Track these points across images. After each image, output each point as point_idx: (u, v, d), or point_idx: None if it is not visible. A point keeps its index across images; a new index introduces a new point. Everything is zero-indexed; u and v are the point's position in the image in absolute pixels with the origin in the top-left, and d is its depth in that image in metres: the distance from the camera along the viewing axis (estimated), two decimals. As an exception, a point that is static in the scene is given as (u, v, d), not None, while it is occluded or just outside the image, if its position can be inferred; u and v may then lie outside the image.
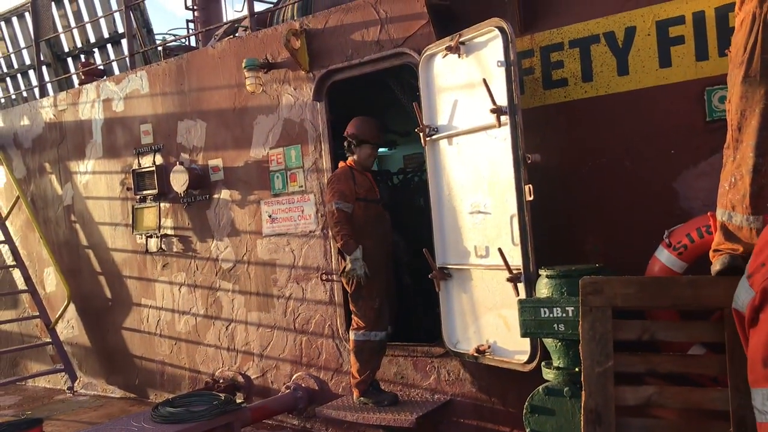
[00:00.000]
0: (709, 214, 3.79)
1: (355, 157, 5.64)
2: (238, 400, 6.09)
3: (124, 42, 8.72)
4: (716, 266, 3.31)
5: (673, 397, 3.42)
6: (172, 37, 9.90)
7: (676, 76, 4.31)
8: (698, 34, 4.21)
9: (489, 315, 4.85)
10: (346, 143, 5.68)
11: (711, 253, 3.42)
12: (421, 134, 5.19)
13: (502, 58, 4.45)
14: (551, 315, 3.89)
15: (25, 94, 10.47)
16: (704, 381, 3.89)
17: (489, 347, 4.81)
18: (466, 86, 4.87)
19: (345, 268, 5.35)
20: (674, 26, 4.29)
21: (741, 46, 3.22)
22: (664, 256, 4.06)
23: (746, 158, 3.20)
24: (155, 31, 10.11)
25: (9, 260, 9.28)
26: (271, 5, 8.74)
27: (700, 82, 4.21)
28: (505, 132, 4.48)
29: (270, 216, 6.49)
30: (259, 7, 8.25)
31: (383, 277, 5.52)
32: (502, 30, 4.46)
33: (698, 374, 3.79)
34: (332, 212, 5.37)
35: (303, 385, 6.33)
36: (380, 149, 10.09)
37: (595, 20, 4.59)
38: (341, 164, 5.67)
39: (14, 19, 10.20)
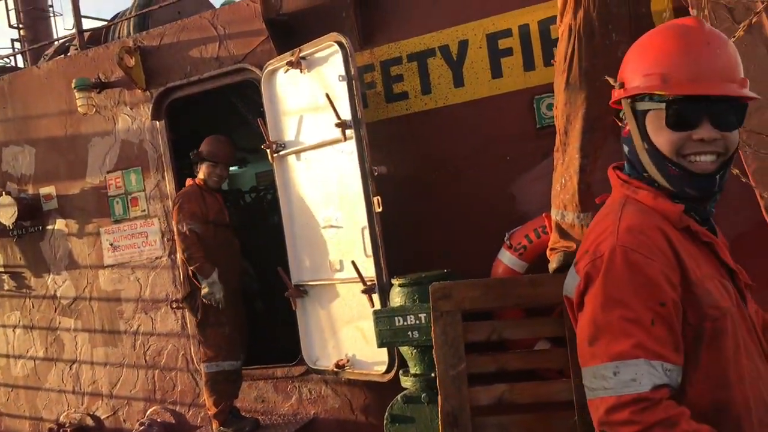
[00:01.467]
0: (544, 215, 3.99)
1: (202, 176, 5.44)
2: (87, 444, 5.67)
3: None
4: (553, 264, 3.49)
5: (522, 393, 3.55)
6: (-6, 58, 9.12)
7: (508, 86, 4.53)
8: (524, 45, 4.46)
9: (347, 328, 4.83)
10: (191, 164, 5.49)
11: (548, 252, 3.60)
12: (268, 150, 5.11)
13: (343, 72, 4.47)
14: (405, 323, 3.93)
15: None
16: (552, 375, 4.09)
17: (348, 361, 4.79)
18: (311, 101, 4.85)
19: (193, 294, 5.15)
20: (503, 38, 4.52)
21: (562, 56, 3.44)
22: (506, 258, 4.24)
23: (573, 160, 3.40)
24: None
25: None
26: (105, 21, 8.31)
27: (529, 91, 4.46)
28: (351, 146, 4.50)
29: (111, 244, 6.11)
30: (92, 24, 7.82)
31: (233, 304, 5.35)
32: (341, 45, 4.49)
33: (545, 369, 3.99)
34: (183, 234, 5.13)
35: (158, 420, 6.00)
36: (230, 168, 9.90)
37: (430, 34, 4.74)
38: (189, 182, 5.45)
39: None
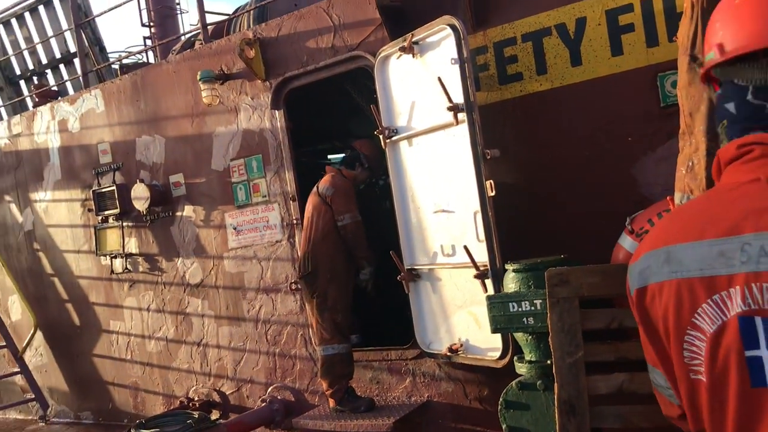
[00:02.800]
0: (668, 198, 3.81)
1: (355, 173, 5.71)
2: (214, 417, 6.00)
3: (76, 61, 8.56)
4: (679, 250, 3.32)
5: (645, 382, 3.40)
6: (126, 54, 9.74)
7: (628, 64, 4.34)
8: (647, 20, 4.24)
9: (459, 313, 4.83)
10: (351, 156, 5.75)
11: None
12: (381, 136, 5.16)
13: (455, 55, 4.44)
14: (520, 309, 3.87)
15: (-22, 120, 10.24)
16: (675, 365, 3.90)
17: (461, 346, 4.78)
18: (423, 86, 4.85)
19: (314, 275, 5.38)
20: (623, 14, 4.32)
21: (685, 35, 3.25)
22: (627, 243, 4.07)
23: (700, 143, 3.22)
24: (113, 51, 10.01)
25: (-29, 291, 9.05)
26: (226, 15, 8.67)
27: (652, 68, 4.24)
28: (463, 129, 4.47)
29: (235, 228, 6.41)
30: (214, 19, 8.18)
31: (348, 291, 5.52)
32: (453, 27, 4.46)
33: (668, 358, 3.80)
34: (357, 222, 5.44)
35: (279, 397, 6.25)
36: (344, 154, 10.08)
37: (546, 13, 4.60)
38: (333, 171, 5.67)
39: (-38, 45, 9.98)
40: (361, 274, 5.58)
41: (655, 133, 4.25)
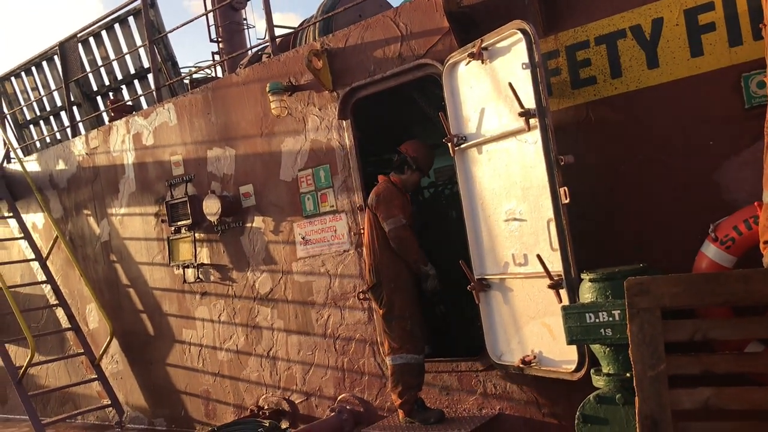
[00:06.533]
0: (756, 203, 3.64)
1: (404, 177, 5.59)
2: (284, 426, 6.03)
3: (150, 76, 8.83)
4: (768, 258, 3.15)
5: (732, 398, 3.25)
6: (196, 69, 9.99)
7: (709, 65, 4.17)
8: (730, 19, 4.07)
9: (532, 324, 4.71)
10: (398, 160, 5.62)
11: (762, 245, 3.26)
12: (450, 144, 5.11)
13: (526, 60, 4.36)
14: (597, 320, 3.75)
15: (58, 135, 10.67)
16: (765, 380, 3.70)
17: (534, 357, 4.67)
18: (492, 92, 4.78)
19: (379, 286, 5.36)
20: (703, 13, 4.16)
21: None
22: (711, 251, 3.90)
23: None
24: (183, 66, 10.29)
25: (52, 299, 9.41)
26: (292, 29, 8.80)
27: (736, 69, 4.07)
28: (536, 135, 4.38)
29: (303, 238, 6.46)
30: (280, 32, 8.31)
31: (413, 301, 5.43)
32: (524, 32, 4.38)
33: (758, 373, 3.62)
34: (402, 226, 5.32)
35: (348, 407, 6.24)
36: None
37: (620, 14, 4.48)
38: (382, 178, 5.61)
39: (44, 63, 10.43)
40: (422, 280, 5.43)
41: (739, 135, 4.07)
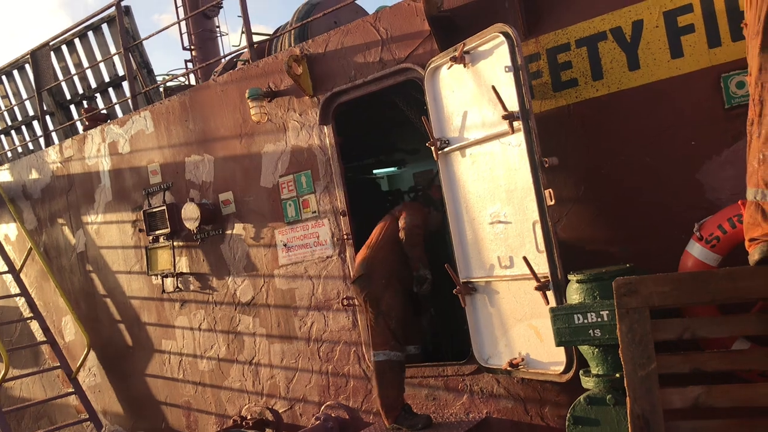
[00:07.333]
0: (739, 202, 3.67)
1: (428, 211, 5.79)
2: (268, 436, 5.95)
3: (125, 84, 8.71)
4: (755, 255, 3.17)
5: (722, 396, 3.28)
6: (170, 77, 9.89)
7: (690, 66, 4.21)
8: (708, 20, 4.12)
9: (519, 326, 4.71)
10: (423, 197, 6.05)
11: (747, 243, 3.28)
12: (433, 148, 5.10)
13: (509, 63, 4.37)
14: (586, 321, 3.76)
15: (30, 145, 10.49)
16: (752, 377, 3.74)
17: (522, 360, 4.66)
18: (475, 95, 4.79)
19: (367, 278, 5.42)
20: (682, 15, 4.20)
21: (754, 17, 3.12)
22: (696, 250, 3.93)
23: None
24: (158, 74, 10.16)
25: (26, 312, 9.21)
26: (268, 36, 8.75)
27: (715, 70, 4.11)
28: (519, 138, 4.39)
29: (285, 245, 6.39)
30: (256, 39, 8.24)
31: (402, 299, 5.45)
32: (507, 35, 4.39)
33: (746, 370, 3.65)
34: (418, 227, 5.47)
35: (333, 415, 6.18)
36: (390, 168, 10.08)
37: (600, 17, 4.51)
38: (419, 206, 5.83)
39: (15, 72, 10.25)
40: (415, 278, 5.45)
41: (721, 135, 4.11)
